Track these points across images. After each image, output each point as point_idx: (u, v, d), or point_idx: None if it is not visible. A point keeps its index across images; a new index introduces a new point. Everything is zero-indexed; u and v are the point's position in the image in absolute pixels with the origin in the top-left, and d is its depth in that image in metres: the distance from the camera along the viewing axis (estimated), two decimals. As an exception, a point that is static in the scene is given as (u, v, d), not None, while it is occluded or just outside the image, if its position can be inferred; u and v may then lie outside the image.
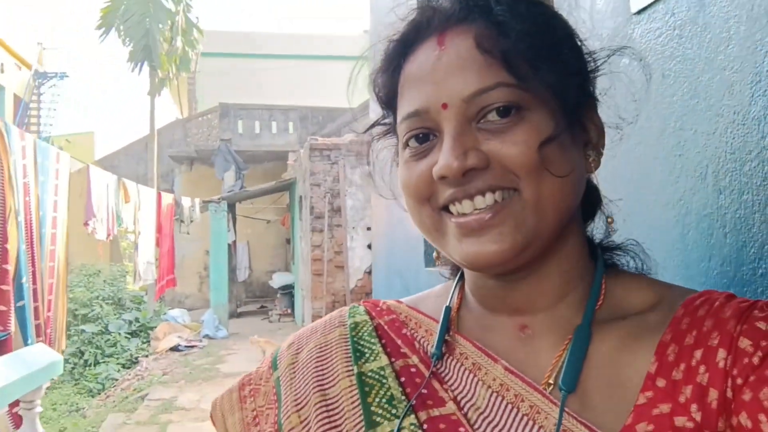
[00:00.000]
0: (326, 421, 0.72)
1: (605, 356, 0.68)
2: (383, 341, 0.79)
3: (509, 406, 0.68)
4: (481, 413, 0.69)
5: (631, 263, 0.78)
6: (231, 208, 14.43)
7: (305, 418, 0.74)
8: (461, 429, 0.67)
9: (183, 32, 17.50)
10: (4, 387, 2.39)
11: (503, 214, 0.66)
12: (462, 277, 0.82)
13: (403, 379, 0.74)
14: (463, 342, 0.75)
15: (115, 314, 11.31)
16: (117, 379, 9.38)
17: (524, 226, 0.66)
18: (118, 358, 10.27)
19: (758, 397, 0.58)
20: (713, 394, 0.61)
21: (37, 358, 2.87)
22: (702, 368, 0.62)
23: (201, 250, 16.66)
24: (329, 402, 0.74)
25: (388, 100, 0.76)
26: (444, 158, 0.66)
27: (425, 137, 0.70)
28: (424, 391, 0.72)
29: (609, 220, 0.78)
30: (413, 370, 0.75)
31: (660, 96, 1.17)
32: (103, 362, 10.02)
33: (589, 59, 0.74)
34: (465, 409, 0.70)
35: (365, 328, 0.81)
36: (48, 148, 5.13)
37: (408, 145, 0.71)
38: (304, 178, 11.54)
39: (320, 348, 0.80)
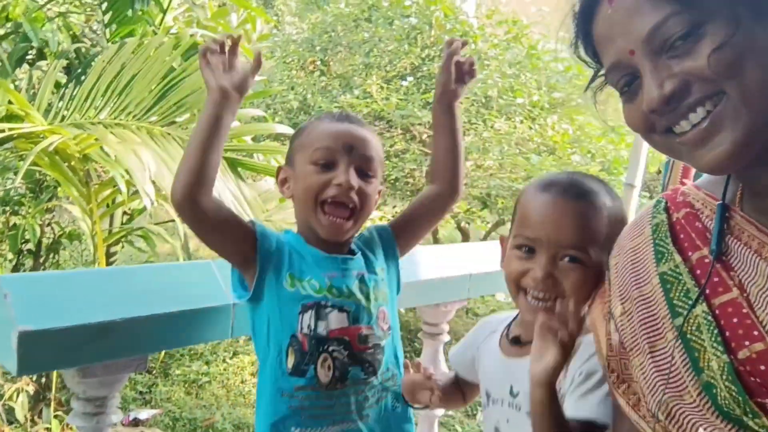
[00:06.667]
0: (644, 312, 0.86)
1: None
2: (681, 236, 0.87)
3: None
4: (761, 290, 0.75)
5: None
6: None
7: (628, 310, 0.89)
8: (744, 310, 0.76)
9: None
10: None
11: (717, 120, 0.73)
12: None
13: (698, 272, 0.82)
14: (748, 225, 0.81)
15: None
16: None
17: (741, 122, 0.72)
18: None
19: None
20: None
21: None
22: None
23: None
24: (645, 297, 0.87)
25: (597, 59, 0.87)
26: (646, 94, 0.76)
27: (632, 80, 0.80)
28: (716, 279, 0.80)
29: None
30: (707, 260, 0.82)
31: None
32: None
33: None
34: (748, 291, 0.77)
35: (662, 230, 0.89)
36: None
37: (621, 91, 0.83)
38: None
39: (634, 251, 0.92)
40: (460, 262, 1.84)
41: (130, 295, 1.20)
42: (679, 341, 0.80)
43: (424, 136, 5.55)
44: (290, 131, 3.95)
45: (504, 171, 5.22)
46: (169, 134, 2.87)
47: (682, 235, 0.87)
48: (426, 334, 1.87)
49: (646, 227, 0.93)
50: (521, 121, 5.47)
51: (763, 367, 0.73)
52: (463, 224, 6.16)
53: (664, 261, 0.87)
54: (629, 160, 4.48)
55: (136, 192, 2.81)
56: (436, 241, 6.65)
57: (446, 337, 1.88)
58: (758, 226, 0.80)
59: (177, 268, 1.44)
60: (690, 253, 0.85)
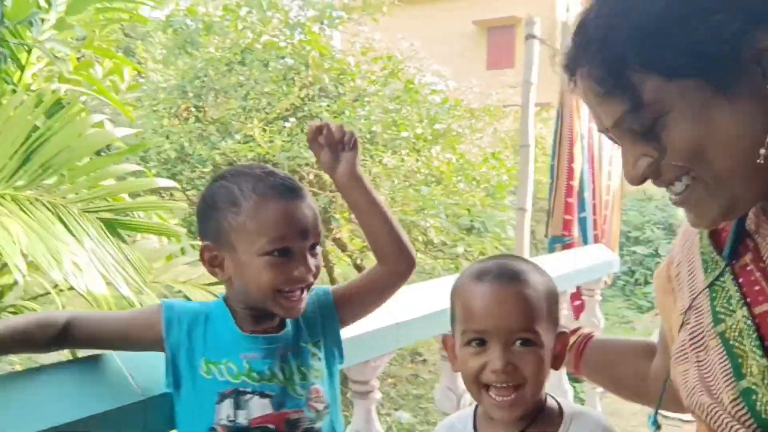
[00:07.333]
0: (694, 321, 0.87)
1: None
2: (730, 243, 0.86)
3: None
4: None
5: None
6: None
7: (688, 318, 0.90)
8: None
9: None
10: (571, 273, 2.88)
11: (696, 194, 0.77)
12: None
13: (741, 279, 0.82)
14: None
15: (665, 239, 10.85)
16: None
17: (717, 198, 0.76)
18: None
19: None
20: None
21: (598, 255, 3.45)
22: None
23: None
24: (697, 307, 0.88)
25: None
26: (624, 170, 0.81)
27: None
28: (757, 287, 0.80)
29: None
30: (748, 268, 0.83)
31: None
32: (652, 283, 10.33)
33: None
34: None
35: (706, 238, 0.90)
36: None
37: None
38: None
39: (689, 262, 0.93)
40: (384, 311, 1.74)
41: (31, 406, 1.00)
42: (722, 348, 0.80)
43: (311, 176, 5.47)
44: (172, 185, 3.71)
45: (397, 204, 5.24)
46: (37, 200, 2.60)
47: (731, 242, 0.87)
48: (356, 393, 1.74)
49: (694, 236, 0.93)
50: (407, 154, 5.54)
51: None
52: (359, 261, 6.11)
53: (710, 271, 0.87)
54: (518, 186, 4.65)
55: (5, 266, 2.51)
56: (332, 281, 6.54)
57: (378, 394, 1.76)
58: None
59: (80, 365, 1.20)
60: (735, 262, 0.85)
